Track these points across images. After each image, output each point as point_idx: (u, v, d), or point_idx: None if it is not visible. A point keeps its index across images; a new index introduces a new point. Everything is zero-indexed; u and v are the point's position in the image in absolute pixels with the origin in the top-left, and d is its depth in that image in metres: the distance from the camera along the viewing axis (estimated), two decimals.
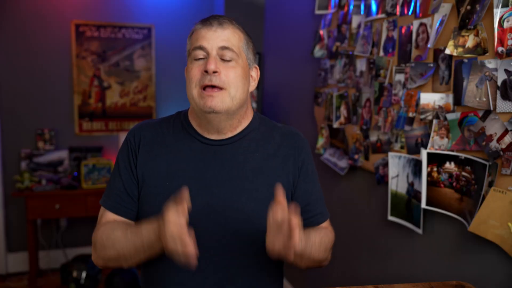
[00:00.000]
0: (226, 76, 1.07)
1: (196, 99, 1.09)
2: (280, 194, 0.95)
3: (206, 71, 1.06)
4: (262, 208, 1.08)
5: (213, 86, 1.07)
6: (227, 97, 1.08)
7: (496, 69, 1.28)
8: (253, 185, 1.14)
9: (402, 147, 1.74)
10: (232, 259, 1.13)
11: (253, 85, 1.19)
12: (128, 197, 1.15)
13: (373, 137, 1.96)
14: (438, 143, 1.52)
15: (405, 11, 1.74)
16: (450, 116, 1.46)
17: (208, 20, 1.10)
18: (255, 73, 1.19)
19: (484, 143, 1.32)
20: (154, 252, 1.04)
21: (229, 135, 1.16)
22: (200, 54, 1.09)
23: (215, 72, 1.06)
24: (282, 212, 0.93)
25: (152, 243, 1.01)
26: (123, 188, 1.16)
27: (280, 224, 0.93)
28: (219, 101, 1.07)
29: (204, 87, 1.08)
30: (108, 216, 1.16)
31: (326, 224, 1.24)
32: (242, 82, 1.11)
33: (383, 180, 1.88)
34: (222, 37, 1.08)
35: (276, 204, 0.95)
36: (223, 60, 1.09)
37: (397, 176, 1.75)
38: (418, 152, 1.63)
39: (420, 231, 1.63)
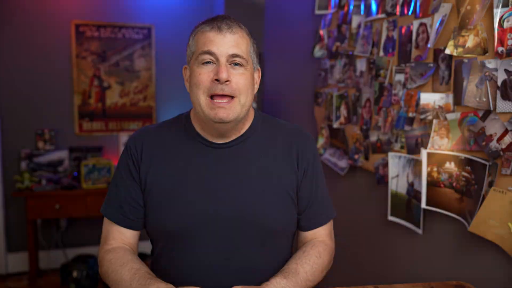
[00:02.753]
0: (236, 84, 1.05)
1: (205, 109, 1.06)
2: None
3: (217, 80, 1.03)
4: (268, 209, 1.07)
5: (223, 95, 1.05)
6: (237, 106, 1.06)
7: (496, 69, 1.27)
8: (258, 186, 1.12)
9: (402, 147, 1.74)
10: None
11: (255, 87, 1.17)
12: (131, 206, 1.13)
13: (373, 137, 1.96)
14: (438, 143, 1.52)
15: (405, 11, 1.74)
16: (450, 116, 1.46)
17: (216, 23, 1.06)
18: (257, 75, 1.18)
19: (484, 143, 1.32)
20: None
21: (233, 137, 1.15)
22: (208, 58, 1.05)
23: (227, 81, 1.04)
24: None
25: None
26: (124, 198, 1.13)
27: None
28: (230, 111, 1.05)
29: (212, 96, 1.05)
30: (114, 234, 1.13)
31: (324, 232, 1.21)
32: (251, 88, 1.10)
33: (383, 180, 1.88)
34: (232, 43, 1.05)
35: None
36: (232, 66, 1.06)
37: (397, 176, 1.75)
38: (418, 152, 1.63)
39: (420, 231, 1.63)
